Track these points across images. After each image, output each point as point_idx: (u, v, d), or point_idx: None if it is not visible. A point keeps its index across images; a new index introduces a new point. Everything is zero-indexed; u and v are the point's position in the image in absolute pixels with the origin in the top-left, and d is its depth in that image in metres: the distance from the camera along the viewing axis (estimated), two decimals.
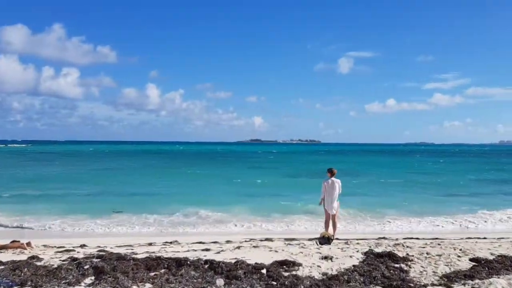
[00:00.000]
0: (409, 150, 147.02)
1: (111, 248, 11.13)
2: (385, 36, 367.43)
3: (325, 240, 10.40)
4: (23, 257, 8.14)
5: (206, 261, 6.93)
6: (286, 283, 6.02)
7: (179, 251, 9.28)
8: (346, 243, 10.99)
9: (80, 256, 8.07)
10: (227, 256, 7.40)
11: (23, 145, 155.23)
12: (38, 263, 7.35)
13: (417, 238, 13.09)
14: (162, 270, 6.65)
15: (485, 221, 17.17)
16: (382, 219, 16.84)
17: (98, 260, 7.28)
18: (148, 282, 6.14)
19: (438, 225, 16.35)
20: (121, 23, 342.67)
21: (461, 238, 12.98)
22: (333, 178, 12.88)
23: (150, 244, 11.94)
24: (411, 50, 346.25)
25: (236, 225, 15.29)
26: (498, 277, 6.14)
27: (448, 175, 39.54)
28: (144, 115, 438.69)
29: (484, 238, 12.92)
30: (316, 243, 10.45)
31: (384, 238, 13.23)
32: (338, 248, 7.96)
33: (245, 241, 12.39)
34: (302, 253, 7.49)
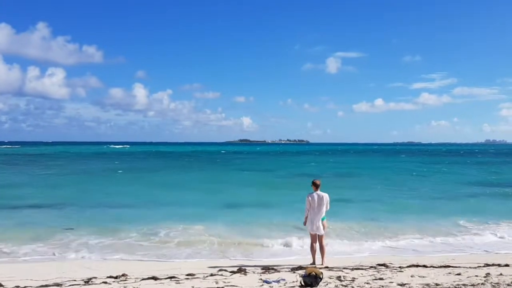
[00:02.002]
0: (399, 150, 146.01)
1: None
2: (372, 36, 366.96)
3: (311, 279, 7.98)
4: None
5: None
6: None
7: None
8: (339, 279, 8.58)
9: None
10: None
11: (8, 147, 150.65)
12: None
13: (425, 266, 10.75)
14: None
15: (495, 236, 14.95)
16: (377, 236, 14.51)
17: None
18: None
19: (441, 243, 13.99)
20: (107, 22, 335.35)
21: (479, 267, 10.71)
22: (319, 192, 10.56)
23: (88, 280, 9.30)
24: (398, 50, 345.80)
25: (206, 249, 12.74)
26: None
27: (442, 177, 37.45)
28: (131, 116, 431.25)
29: (506, 265, 10.64)
30: (300, 284, 8.03)
31: (384, 265, 10.90)
32: None
33: (211, 274, 9.87)
34: None
